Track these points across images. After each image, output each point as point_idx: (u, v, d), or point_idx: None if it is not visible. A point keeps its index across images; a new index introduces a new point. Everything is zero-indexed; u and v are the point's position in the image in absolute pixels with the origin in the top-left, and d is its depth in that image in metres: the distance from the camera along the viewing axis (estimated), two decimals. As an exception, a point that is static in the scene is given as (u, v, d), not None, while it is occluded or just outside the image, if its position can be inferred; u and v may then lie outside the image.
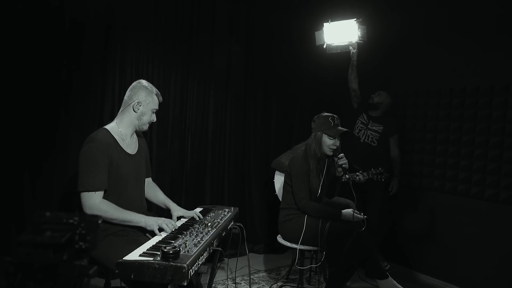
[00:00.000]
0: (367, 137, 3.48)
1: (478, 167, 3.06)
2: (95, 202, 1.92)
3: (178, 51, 3.44)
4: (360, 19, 3.14)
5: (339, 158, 2.57)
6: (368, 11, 3.57)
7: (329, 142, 2.58)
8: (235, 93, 3.83)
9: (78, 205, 2.05)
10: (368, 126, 3.48)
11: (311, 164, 2.58)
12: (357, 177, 3.07)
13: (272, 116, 4.09)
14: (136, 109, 2.09)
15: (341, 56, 3.49)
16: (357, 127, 3.52)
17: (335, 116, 2.65)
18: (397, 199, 3.59)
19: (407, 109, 3.62)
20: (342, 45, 3.34)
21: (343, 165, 2.56)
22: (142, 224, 1.96)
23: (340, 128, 2.59)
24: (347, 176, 2.74)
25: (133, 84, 2.15)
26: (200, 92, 3.62)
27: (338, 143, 2.60)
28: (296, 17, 4.05)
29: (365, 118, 3.51)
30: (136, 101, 2.08)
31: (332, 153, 2.60)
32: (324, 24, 3.25)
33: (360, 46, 3.33)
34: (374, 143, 3.46)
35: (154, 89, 2.14)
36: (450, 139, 3.25)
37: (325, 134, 2.58)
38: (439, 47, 3.35)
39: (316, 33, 3.35)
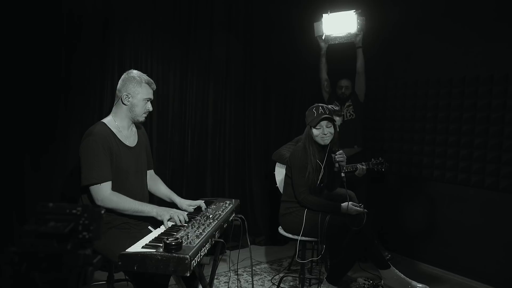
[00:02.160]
0: (345, 116, 3.63)
1: (478, 156, 3.07)
2: (106, 194, 1.92)
3: (177, 44, 3.42)
4: (359, 11, 3.13)
5: (336, 155, 2.52)
6: (368, 2, 3.56)
7: (316, 133, 2.54)
8: (235, 85, 3.83)
9: (78, 198, 2.06)
10: (342, 109, 3.62)
11: (309, 159, 2.55)
12: (357, 170, 3.08)
13: (272, 107, 4.09)
14: (126, 102, 2.05)
15: (341, 45, 3.48)
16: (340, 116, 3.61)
17: (321, 105, 2.59)
18: (384, 175, 3.63)
19: (407, 99, 3.62)
20: (341, 36, 3.33)
21: (340, 162, 2.51)
22: (154, 214, 1.96)
23: (319, 116, 2.51)
24: (343, 171, 2.71)
25: (122, 75, 2.10)
26: (200, 85, 3.61)
27: (327, 130, 2.52)
28: (295, 7, 4.03)
29: (338, 104, 3.65)
30: (125, 93, 2.04)
31: (327, 142, 2.54)
32: (323, 15, 3.24)
33: (358, 37, 3.35)
34: (353, 116, 3.63)
35: (144, 78, 2.08)
36: (450, 129, 3.26)
37: (310, 126, 2.55)
38: (438, 37, 3.34)
39: (315, 24, 3.34)
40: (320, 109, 2.55)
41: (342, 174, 2.48)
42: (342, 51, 3.62)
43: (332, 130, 2.55)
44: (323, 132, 2.52)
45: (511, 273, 2.85)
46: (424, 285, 2.49)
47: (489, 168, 3.00)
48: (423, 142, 3.47)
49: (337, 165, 2.56)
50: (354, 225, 2.41)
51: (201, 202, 2.30)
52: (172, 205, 2.30)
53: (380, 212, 3.74)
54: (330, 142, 2.58)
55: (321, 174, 2.61)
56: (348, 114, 3.65)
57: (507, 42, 2.89)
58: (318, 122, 2.51)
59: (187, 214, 2.15)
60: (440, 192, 3.34)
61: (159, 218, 1.96)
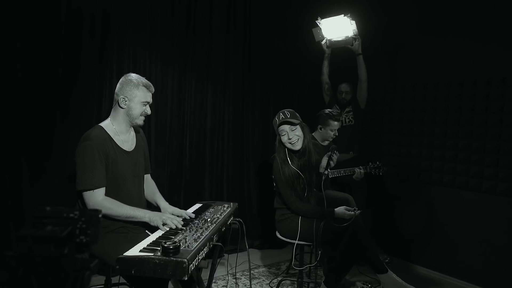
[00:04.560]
0: (344, 121, 3.62)
1: (476, 160, 3.07)
2: (98, 200, 1.91)
3: (175, 47, 3.43)
4: (348, 14, 3.13)
5: (334, 153, 2.51)
6: (365, 6, 3.58)
7: (284, 139, 2.50)
8: (233, 88, 3.83)
9: (76, 203, 2.05)
10: (341, 114, 3.62)
11: (287, 168, 2.52)
12: (355, 173, 3.09)
13: (270, 110, 4.09)
14: (123, 105, 2.04)
15: (339, 48, 3.49)
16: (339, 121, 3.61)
17: (283, 110, 2.56)
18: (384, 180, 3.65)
19: (405, 103, 3.63)
20: (340, 40, 3.34)
21: (333, 157, 2.51)
22: (146, 220, 1.96)
23: (277, 122, 2.50)
24: (339, 172, 2.69)
25: (121, 78, 2.10)
26: (198, 88, 3.62)
27: (292, 134, 2.48)
28: (294, 10, 4.05)
29: (338, 107, 3.66)
30: (122, 96, 2.03)
31: (298, 146, 2.51)
32: (316, 21, 3.26)
33: (355, 43, 3.36)
34: (352, 122, 3.63)
35: (142, 81, 2.06)
36: (448, 132, 3.27)
37: (278, 134, 2.53)
38: (436, 41, 3.35)
39: (313, 30, 3.36)
40: (281, 115, 2.52)
41: (326, 172, 2.48)
42: (343, 55, 3.61)
43: (298, 132, 2.51)
44: (288, 137, 2.49)
45: (509, 277, 2.85)
46: None
47: (487, 172, 3.01)
48: (421, 146, 3.47)
49: (324, 162, 2.55)
50: (341, 224, 2.40)
51: (184, 213, 2.15)
52: (158, 209, 2.23)
53: (379, 215, 3.74)
54: (303, 145, 2.54)
55: (301, 180, 2.57)
56: (347, 120, 3.65)
57: (504, 46, 2.90)
58: (278, 128, 2.50)
59: (182, 219, 2.14)
60: (438, 195, 3.34)
61: (152, 223, 1.95)
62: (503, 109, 2.93)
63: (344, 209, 2.47)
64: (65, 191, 2.82)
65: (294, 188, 2.54)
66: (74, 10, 2.86)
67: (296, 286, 2.81)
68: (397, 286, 2.49)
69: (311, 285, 2.96)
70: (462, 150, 3.16)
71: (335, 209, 2.48)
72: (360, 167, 3.13)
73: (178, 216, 2.11)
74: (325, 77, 3.68)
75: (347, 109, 3.65)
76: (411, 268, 3.46)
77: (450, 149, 3.25)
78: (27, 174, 2.71)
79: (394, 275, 2.52)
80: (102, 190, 1.94)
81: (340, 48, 3.46)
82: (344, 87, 3.63)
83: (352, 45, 3.34)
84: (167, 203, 2.27)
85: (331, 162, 2.55)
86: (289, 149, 2.55)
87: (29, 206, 2.69)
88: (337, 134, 3.12)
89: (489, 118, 3.01)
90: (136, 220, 1.97)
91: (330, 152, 2.56)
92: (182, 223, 1.97)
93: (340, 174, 3.11)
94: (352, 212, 2.44)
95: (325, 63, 3.63)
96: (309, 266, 3.13)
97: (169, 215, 2.00)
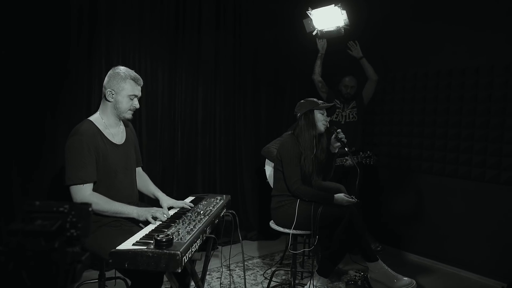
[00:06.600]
0: (347, 117, 3.59)
1: (465, 148, 3.11)
2: (85, 195, 1.89)
3: (165, 40, 3.40)
4: (339, 4, 3.12)
5: (338, 132, 2.64)
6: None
7: (321, 118, 2.65)
8: (224, 81, 3.82)
9: (66, 199, 2.03)
10: (344, 109, 3.60)
11: (306, 146, 2.60)
12: (347, 161, 3.11)
13: (262, 102, 4.09)
14: (110, 98, 2.02)
15: (331, 39, 3.48)
16: (334, 113, 3.61)
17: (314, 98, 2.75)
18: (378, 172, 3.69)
19: (396, 93, 3.65)
20: (331, 31, 3.34)
21: (342, 139, 2.62)
22: (134, 215, 1.94)
23: (326, 104, 2.69)
24: (347, 148, 2.75)
25: (109, 71, 2.07)
26: (189, 81, 3.60)
27: (328, 119, 2.69)
28: (284, 1, 4.02)
29: (339, 103, 3.62)
30: (109, 89, 2.01)
31: (325, 129, 2.67)
32: (307, 12, 3.25)
33: (347, 31, 3.33)
34: (355, 118, 3.59)
35: (130, 74, 2.03)
36: (438, 122, 3.30)
37: (317, 110, 2.64)
38: (432, 29, 3.35)
39: (304, 21, 3.35)
40: (319, 100, 2.71)
41: (346, 149, 2.60)
42: (339, 45, 3.57)
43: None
44: (326, 119, 2.67)
45: (497, 262, 2.91)
46: (410, 279, 2.50)
47: (475, 160, 3.05)
48: (412, 135, 3.51)
49: (337, 144, 2.64)
50: (344, 211, 2.45)
51: (184, 204, 2.21)
52: (158, 202, 2.25)
53: (370, 204, 3.78)
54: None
55: (313, 162, 2.65)
56: (350, 116, 3.60)
57: (495, 34, 2.91)
58: (325, 108, 2.65)
59: (177, 211, 2.15)
60: (428, 183, 3.39)
61: (140, 219, 1.94)
62: (491, 97, 2.96)
63: (344, 195, 2.52)
64: (56, 188, 2.80)
65: (305, 167, 2.59)
66: (61, 3, 2.81)
67: (290, 275, 2.83)
68: (385, 275, 2.53)
69: (305, 274, 2.99)
70: (452, 139, 3.20)
71: (335, 195, 2.52)
72: (352, 157, 3.15)
73: (179, 207, 2.18)
74: (317, 76, 3.64)
75: (352, 104, 3.60)
76: (401, 255, 3.52)
77: (439, 138, 3.28)
78: (17, 170, 2.68)
79: (383, 264, 2.56)
80: (90, 186, 1.92)
81: (335, 39, 3.43)
82: (349, 81, 3.56)
83: (343, 35, 3.33)
84: (165, 195, 2.27)
85: (343, 140, 2.64)
86: (313, 130, 2.66)
87: (19, 202, 2.66)
88: (328, 125, 3.12)
89: (477, 106, 3.04)
90: (124, 216, 1.95)
91: (334, 134, 2.66)
92: (169, 215, 1.97)
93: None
94: (353, 200, 2.50)
95: (318, 63, 3.59)
96: (303, 255, 3.17)
97: (157, 209, 1.99)
